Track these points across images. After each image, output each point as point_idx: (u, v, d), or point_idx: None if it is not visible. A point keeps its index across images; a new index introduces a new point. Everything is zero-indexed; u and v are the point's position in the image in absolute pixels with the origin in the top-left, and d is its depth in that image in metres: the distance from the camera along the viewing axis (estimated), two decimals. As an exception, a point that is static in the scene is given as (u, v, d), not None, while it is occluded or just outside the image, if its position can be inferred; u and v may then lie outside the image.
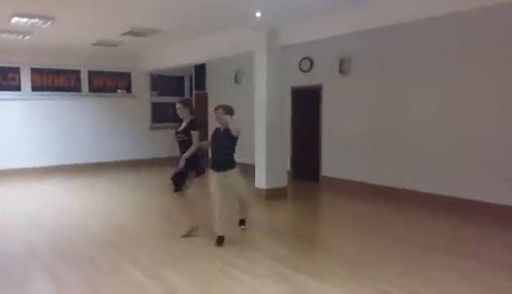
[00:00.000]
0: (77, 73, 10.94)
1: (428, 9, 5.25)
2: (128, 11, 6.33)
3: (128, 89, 11.80)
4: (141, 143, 11.69)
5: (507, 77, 5.97)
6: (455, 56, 6.48)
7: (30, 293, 3.79)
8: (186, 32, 8.02)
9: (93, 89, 11.19)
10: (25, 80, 10.18)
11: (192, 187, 5.10)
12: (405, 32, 6.79)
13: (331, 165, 8.56)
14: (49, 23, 6.78)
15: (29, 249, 4.83)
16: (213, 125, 5.61)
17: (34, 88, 10.31)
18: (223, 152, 4.92)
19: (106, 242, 5.10)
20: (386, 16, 5.66)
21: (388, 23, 5.75)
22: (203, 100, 11.80)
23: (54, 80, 10.66)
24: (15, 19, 6.48)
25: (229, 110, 4.91)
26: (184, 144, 5.04)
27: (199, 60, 10.33)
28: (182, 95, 12.58)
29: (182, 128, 5.12)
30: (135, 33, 7.83)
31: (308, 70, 8.76)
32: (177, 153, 5.22)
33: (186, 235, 5.12)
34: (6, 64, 9.89)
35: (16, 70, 10.07)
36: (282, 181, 7.53)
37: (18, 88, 10.11)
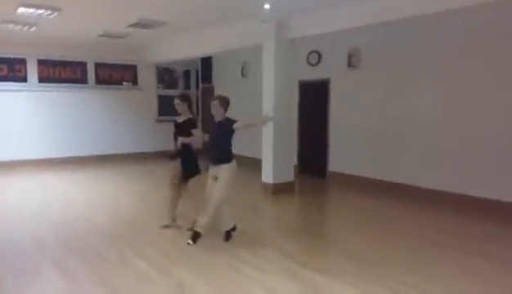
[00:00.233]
0: (83, 64, 10.91)
1: (439, 2, 5.15)
2: (135, 2, 6.26)
3: (134, 81, 11.77)
4: (147, 135, 11.67)
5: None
6: (466, 52, 6.37)
7: (38, 286, 3.76)
8: (193, 24, 7.94)
9: (99, 81, 11.17)
10: (32, 71, 10.16)
11: (193, 181, 5.09)
12: (415, 26, 6.67)
13: (339, 160, 8.48)
14: (55, 14, 6.73)
15: (36, 241, 4.81)
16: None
17: (41, 80, 10.30)
18: (218, 144, 4.71)
19: (113, 235, 5.08)
20: (396, 10, 5.57)
21: (397, 16, 5.66)
22: (209, 94, 11.72)
23: (60, 72, 10.63)
24: (21, 9, 6.43)
25: (224, 102, 4.68)
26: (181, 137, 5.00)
27: (206, 53, 10.24)
28: (188, 88, 12.56)
29: (181, 121, 5.10)
30: (142, 24, 7.76)
31: (316, 64, 8.66)
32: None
33: (191, 228, 5.08)
34: (13, 55, 9.86)
35: (23, 61, 10.04)
36: (289, 176, 7.47)
37: (24, 79, 10.10)
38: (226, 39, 8.18)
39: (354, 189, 7.69)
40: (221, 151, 4.67)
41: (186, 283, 3.70)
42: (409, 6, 5.46)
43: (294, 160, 8.41)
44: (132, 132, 11.53)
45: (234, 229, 4.86)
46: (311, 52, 8.65)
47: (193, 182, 5.12)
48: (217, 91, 11.42)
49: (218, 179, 4.61)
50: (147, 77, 11.89)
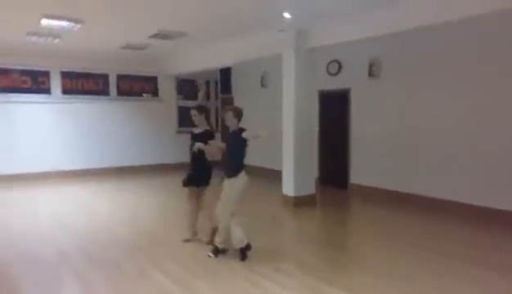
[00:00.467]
0: (105, 76, 11.05)
1: (459, 10, 4.99)
2: (156, 13, 6.28)
3: (155, 93, 11.85)
4: (168, 147, 11.69)
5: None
6: (485, 61, 6.18)
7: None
8: (213, 35, 7.94)
9: (121, 93, 11.29)
10: (55, 83, 10.34)
11: (205, 192, 5.11)
12: (435, 34, 6.51)
13: (360, 172, 8.28)
14: (78, 26, 6.81)
15: (60, 252, 4.82)
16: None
17: (64, 91, 10.46)
18: (231, 156, 4.63)
19: (134, 247, 5.03)
20: (416, 18, 5.44)
21: (417, 25, 5.51)
22: (228, 104, 11.69)
23: (83, 83, 10.79)
24: (45, 21, 6.52)
25: (238, 113, 4.61)
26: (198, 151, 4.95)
27: (225, 64, 10.24)
28: (208, 99, 12.56)
29: (198, 133, 5.06)
30: (162, 35, 7.80)
31: (336, 73, 8.52)
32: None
33: (210, 242, 4.99)
34: (37, 68, 10.06)
35: (46, 74, 10.23)
36: (310, 188, 7.32)
37: (48, 91, 10.28)
38: (246, 49, 8.15)
39: (376, 202, 7.48)
40: (232, 163, 4.60)
41: (206, 298, 3.59)
42: (428, 15, 5.32)
43: (315, 172, 8.25)
44: (153, 144, 11.58)
45: (249, 248, 4.60)
46: (331, 62, 8.53)
47: (204, 193, 5.10)
48: (237, 102, 11.38)
49: (225, 192, 4.55)
50: (167, 88, 11.96)
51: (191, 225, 5.21)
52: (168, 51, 9.80)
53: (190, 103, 11.95)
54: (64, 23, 6.67)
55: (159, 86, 11.87)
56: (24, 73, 9.96)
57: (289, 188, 7.22)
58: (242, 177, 4.54)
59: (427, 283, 3.92)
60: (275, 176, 8.05)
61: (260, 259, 4.51)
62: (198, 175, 5.05)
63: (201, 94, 12.61)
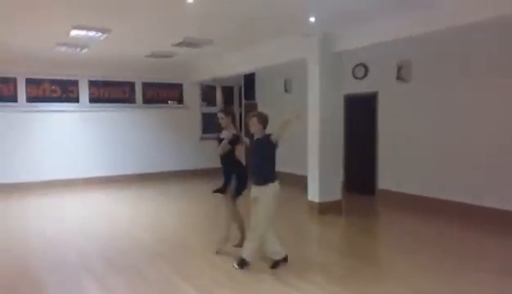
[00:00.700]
0: (131, 84, 11.23)
1: (499, 7, 4.75)
2: (182, 21, 6.34)
3: (180, 100, 11.96)
4: (192, 153, 11.76)
5: None
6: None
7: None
8: (238, 41, 7.95)
9: (147, 100, 11.44)
10: (83, 92, 10.57)
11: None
12: (471, 35, 6.26)
13: (389, 177, 8.07)
14: (106, 35, 6.95)
15: (82, 258, 4.88)
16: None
17: (91, 100, 10.68)
18: (259, 163, 4.44)
19: (158, 255, 5.02)
20: (449, 18, 5.21)
21: (452, 24, 5.27)
22: (252, 110, 11.66)
23: (110, 92, 11.00)
24: (74, 32, 6.69)
25: (263, 119, 4.45)
26: (226, 154, 4.96)
27: (250, 69, 10.21)
28: (232, 105, 12.56)
29: (223, 138, 4.98)
30: (187, 43, 7.86)
31: (363, 77, 8.37)
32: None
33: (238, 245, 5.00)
34: (66, 77, 10.32)
35: (75, 83, 10.48)
36: (336, 194, 7.17)
37: (77, 100, 10.51)
38: (271, 55, 8.11)
39: (406, 209, 7.25)
40: (262, 171, 4.42)
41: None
42: (466, 13, 5.08)
43: (341, 177, 8.09)
44: (177, 150, 11.66)
45: (285, 259, 4.51)
46: (357, 65, 8.38)
47: (235, 203, 5.04)
48: (261, 108, 11.34)
49: (260, 202, 4.36)
50: (192, 95, 12.06)
51: (226, 231, 5.10)
52: (193, 59, 9.87)
53: (213, 109, 12.05)
54: (91, 33, 6.82)
55: (184, 94, 11.99)
56: (53, 82, 10.24)
57: (314, 194, 7.09)
58: (276, 185, 4.38)
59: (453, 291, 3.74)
60: (300, 182, 7.95)
61: (287, 269, 4.41)
62: (227, 182, 5.01)
63: (219, 98, 12.55)
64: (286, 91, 10.42)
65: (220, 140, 5.03)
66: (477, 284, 4.08)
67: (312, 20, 5.95)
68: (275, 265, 4.45)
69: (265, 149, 4.39)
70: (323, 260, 4.88)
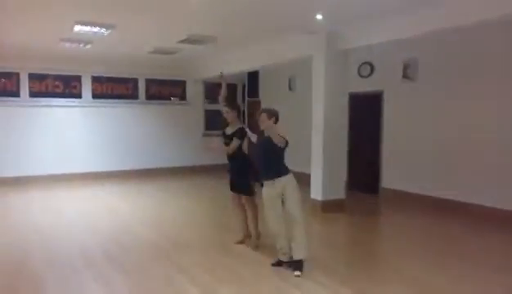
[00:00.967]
0: (135, 81, 11.20)
1: (503, 6, 4.69)
2: (186, 18, 6.28)
3: (182, 97, 11.92)
4: (194, 150, 11.72)
5: None
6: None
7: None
8: (243, 38, 7.89)
9: (150, 97, 11.41)
10: (86, 88, 10.55)
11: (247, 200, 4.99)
12: (481, 34, 6.21)
13: (393, 176, 8.04)
14: (110, 31, 6.91)
15: (84, 255, 4.85)
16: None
17: (94, 96, 10.66)
18: (270, 159, 4.35)
19: (160, 252, 4.99)
20: (460, 16, 5.13)
21: (461, 23, 5.20)
22: (256, 108, 11.63)
23: (113, 88, 10.96)
24: (78, 27, 6.64)
25: (272, 114, 4.28)
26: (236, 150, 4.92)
27: (254, 67, 10.15)
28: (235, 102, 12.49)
29: (230, 133, 4.94)
30: (191, 40, 7.81)
31: (368, 76, 8.32)
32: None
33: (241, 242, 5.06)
34: (69, 73, 10.29)
35: (78, 78, 10.45)
36: (340, 193, 7.14)
37: (79, 96, 10.49)
38: (275, 52, 8.06)
39: (410, 207, 7.22)
40: (272, 167, 4.32)
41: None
42: (472, 12, 5.02)
43: (344, 175, 8.06)
44: (180, 146, 11.64)
45: (289, 264, 4.34)
46: (362, 63, 8.33)
47: (245, 200, 4.98)
48: (264, 105, 11.30)
49: (287, 195, 4.25)
50: (195, 92, 12.02)
51: (242, 228, 5.14)
52: (197, 56, 9.83)
53: (217, 106, 11.98)
54: (95, 29, 6.78)
55: (187, 90, 11.95)
56: (56, 77, 10.21)
57: (317, 192, 7.05)
58: (291, 176, 4.29)
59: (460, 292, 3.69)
60: (303, 179, 7.90)
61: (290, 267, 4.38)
62: (236, 179, 4.98)
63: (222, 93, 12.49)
64: (290, 89, 10.37)
65: (225, 136, 4.99)
66: (483, 283, 4.07)
67: (320, 17, 5.90)
68: (277, 264, 4.42)
69: (272, 149, 4.26)
70: (326, 259, 4.84)
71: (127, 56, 9.69)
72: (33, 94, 9.93)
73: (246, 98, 12.47)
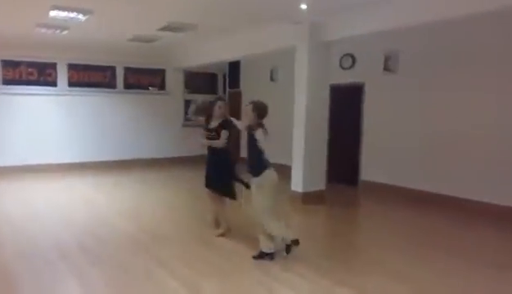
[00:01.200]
0: (112, 69, 10.92)
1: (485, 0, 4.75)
2: (167, 4, 6.12)
3: (162, 86, 11.70)
4: (174, 140, 11.58)
5: None
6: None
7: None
8: (225, 27, 7.76)
9: (128, 85, 11.14)
10: (62, 76, 10.21)
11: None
12: (461, 27, 6.28)
13: (372, 168, 8.11)
14: (87, 17, 6.68)
15: (58, 248, 4.67)
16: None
17: (70, 84, 10.33)
18: (248, 154, 4.41)
19: (138, 245, 4.88)
20: (443, 9, 5.16)
21: (445, 17, 5.23)
22: (236, 99, 11.54)
23: (90, 76, 10.65)
24: (54, 12, 6.39)
25: (257, 107, 4.29)
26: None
27: (236, 57, 10.02)
28: (215, 93, 12.34)
29: (214, 126, 4.92)
30: (172, 28, 7.64)
31: (350, 67, 8.33)
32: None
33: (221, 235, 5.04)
34: (44, 60, 9.94)
35: (53, 66, 10.11)
36: (320, 184, 7.15)
37: (54, 84, 10.15)
38: (258, 42, 7.96)
39: (389, 200, 7.31)
40: (251, 161, 4.36)
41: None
42: (456, 6, 5.05)
43: (325, 167, 8.07)
44: (159, 137, 11.46)
45: (272, 256, 4.39)
46: (344, 55, 8.33)
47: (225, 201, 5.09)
48: (245, 96, 11.23)
49: (254, 194, 4.32)
50: (175, 81, 11.81)
51: (221, 222, 5.16)
52: (177, 44, 9.64)
53: (197, 96, 11.86)
54: (72, 14, 6.54)
55: (166, 80, 11.73)
56: (31, 65, 9.86)
57: (297, 184, 7.05)
58: (267, 175, 4.26)
59: (443, 286, 3.80)
60: (283, 171, 7.88)
61: (274, 260, 4.35)
62: (214, 176, 4.97)
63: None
64: (272, 79, 10.30)
65: (209, 130, 4.95)
66: (456, 271, 4.18)
67: (304, 7, 5.82)
68: (259, 256, 4.38)
69: (251, 141, 4.29)
70: (306, 251, 4.80)
71: (105, 43, 9.41)
72: (6, 81, 9.54)
73: (227, 89, 12.34)
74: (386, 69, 7.66)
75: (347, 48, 8.15)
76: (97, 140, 10.61)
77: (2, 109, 9.47)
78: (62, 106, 10.21)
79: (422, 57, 7.16)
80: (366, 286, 3.77)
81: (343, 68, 8.40)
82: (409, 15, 5.50)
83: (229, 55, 9.54)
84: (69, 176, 9.33)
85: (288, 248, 4.40)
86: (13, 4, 6.08)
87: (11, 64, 9.62)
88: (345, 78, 8.38)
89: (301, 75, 6.94)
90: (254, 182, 4.31)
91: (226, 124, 4.88)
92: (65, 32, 7.88)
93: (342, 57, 8.37)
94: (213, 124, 4.95)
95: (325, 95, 7.20)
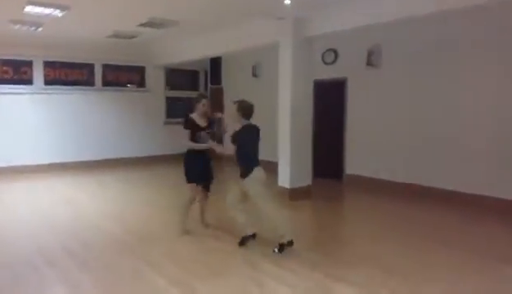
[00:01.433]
0: (90, 66, 10.65)
1: None
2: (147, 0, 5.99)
3: (141, 83, 11.50)
4: (155, 138, 11.41)
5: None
6: (498, 49, 6.06)
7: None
8: (206, 23, 7.65)
9: (107, 83, 10.91)
10: (38, 73, 9.92)
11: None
12: (443, 22, 6.37)
13: (356, 162, 8.18)
14: (64, 12, 6.47)
15: (43, 253, 4.50)
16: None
17: (47, 82, 10.04)
18: (236, 154, 4.54)
19: (125, 246, 4.77)
20: (424, 4, 5.22)
21: (426, 12, 5.28)
22: (218, 95, 11.45)
23: (67, 74, 10.38)
24: (29, 7, 6.18)
25: (242, 107, 4.49)
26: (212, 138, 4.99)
27: (218, 53, 9.94)
28: (197, 89, 12.21)
29: (205, 125, 4.97)
30: (152, 24, 7.49)
31: (332, 62, 8.35)
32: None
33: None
34: (19, 58, 9.63)
35: (29, 63, 9.80)
36: (307, 180, 7.16)
37: (30, 82, 9.85)
38: (241, 38, 7.89)
39: (373, 193, 7.40)
40: (238, 163, 4.52)
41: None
42: (437, 0, 5.12)
43: (310, 162, 8.09)
44: (140, 135, 11.27)
45: (253, 236, 4.65)
46: (326, 50, 8.35)
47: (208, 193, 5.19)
48: (227, 93, 11.15)
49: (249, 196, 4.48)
50: (155, 78, 11.62)
51: (201, 218, 5.29)
52: (158, 41, 9.46)
53: (178, 93, 11.71)
54: (48, 9, 6.34)
55: (146, 77, 11.52)
56: (5, 63, 9.53)
57: (284, 179, 7.04)
58: (253, 176, 4.40)
59: (431, 276, 3.84)
60: (270, 168, 7.86)
61: (262, 255, 4.34)
62: (208, 171, 5.08)
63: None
64: (254, 75, 10.25)
65: (200, 129, 4.92)
66: (444, 261, 4.23)
67: (288, 2, 5.78)
68: (242, 241, 4.55)
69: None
70: (296, 246, 4.81)
71: (82, 40, 9.15)
72: (-22, 80, 9.22)
73: (209, 85, 12.22)
74: (369, 63, 7.71)
75: (329, 43, 8.17)
76: (77, 139, 10.35)
77: (-25, 108, 9.13)
78: (39, 105, 9.92)
79: (405, 52, 7.23)
80: (357, 279, 3.78)
81: (326, 63, 8.42)
82: (391, 10, 5.54)
83: (211, 52, 9.43)
84: (49, 177, 9.08)
85: (281, 247, 4.40)
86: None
87: (-17, 62, 9.29)
88: (328, 73, 8.40)
89: (285, 71, 6.91)
90: (243, 184, 4.43)
91: (213, 124, 5.02)
92: (41, 28, 7.63)
93: (324, 52, 8.39)
94: (202, 123, 4.96)
95: (310, 90, 7.19)
